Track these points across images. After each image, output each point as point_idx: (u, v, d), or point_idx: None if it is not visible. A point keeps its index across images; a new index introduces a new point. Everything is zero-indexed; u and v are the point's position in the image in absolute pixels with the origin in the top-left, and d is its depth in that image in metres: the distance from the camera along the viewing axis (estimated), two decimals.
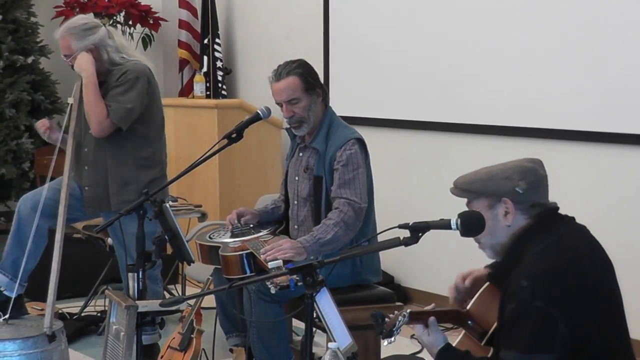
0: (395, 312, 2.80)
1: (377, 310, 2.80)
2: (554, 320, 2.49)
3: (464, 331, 2.90)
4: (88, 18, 4.64)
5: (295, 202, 4.05)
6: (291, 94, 3.90)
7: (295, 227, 4.05)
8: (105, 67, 4.45)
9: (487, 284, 2.88)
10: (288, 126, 4.05)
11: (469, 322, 2.84)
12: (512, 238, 2.70)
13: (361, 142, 3.94)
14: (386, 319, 2.75)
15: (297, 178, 4.05)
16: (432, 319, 2.78)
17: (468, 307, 2.87)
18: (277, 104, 3.97)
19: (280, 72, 3.93)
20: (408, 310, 2.79)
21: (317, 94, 3.96)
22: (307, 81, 3.93)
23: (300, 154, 4.06)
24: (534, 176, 2.71)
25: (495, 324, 2.75)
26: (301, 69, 3.95)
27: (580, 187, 4.90)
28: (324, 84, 4.69)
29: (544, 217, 2.68)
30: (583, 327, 2.53)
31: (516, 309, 2.54)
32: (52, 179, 4.49)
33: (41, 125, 4.64)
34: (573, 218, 2.75)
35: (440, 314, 2.87)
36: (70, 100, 4.46)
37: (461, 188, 2.79)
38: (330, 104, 4.07)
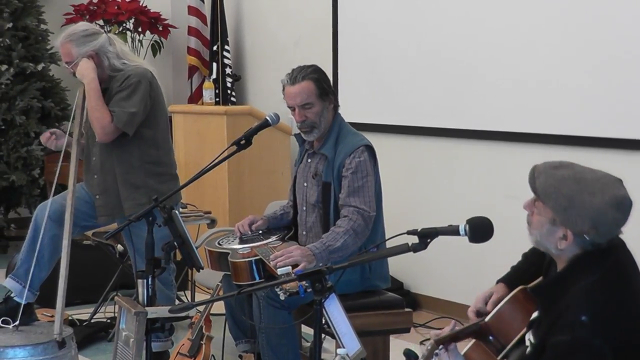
0: (423, 346, 2.76)
1: (409, 349, 2.76)
2: (607, 358, 2.43)
3: (474, 340, 2.86)
4: (88, 25, 4.66)
5: (304, 208, 4.05)
6: (305, 99, 3.91)
7: (304, 233, 4.05)
8: (107, 73, 4.47)
9: (508, 297, 2.81)
10: (297, 132, 4.06)
11: (490, 337, 2.79)
12: (563, 261, 2.59)
13: (370, 149, 3.94)
14: (420, 357, 2.72)
15: (305, 184, 4.05)
16: (452, 346, 2.72)
17: (487, 319, 2.81)
18: (290, 107, 3.97)
19: (296, 76, 3.93)
20: (432, 341, 2.75)
21: (330, 100, 3.97)
22: (322, 87, 3.94)
23: (309, 160, 4.06)
24: (609, 226, 2.52)
25: (515, 339, 2.71)
26: (316, 74, 3.96)
27: None
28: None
29: (599, 248, 2.56)
30: None
31: (571, 343, 2.45)
32: (58, 185, 4.50)
33: (45, 138, 4.65)
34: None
35: (462, 334, 2.81)
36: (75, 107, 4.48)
37: (538, 187, 2.59)
38: (339, 110, 4.07)
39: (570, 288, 2.52)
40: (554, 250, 2.60)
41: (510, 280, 2.91)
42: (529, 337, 2.67)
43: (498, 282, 2.94)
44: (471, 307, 2.90)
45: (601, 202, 2.50)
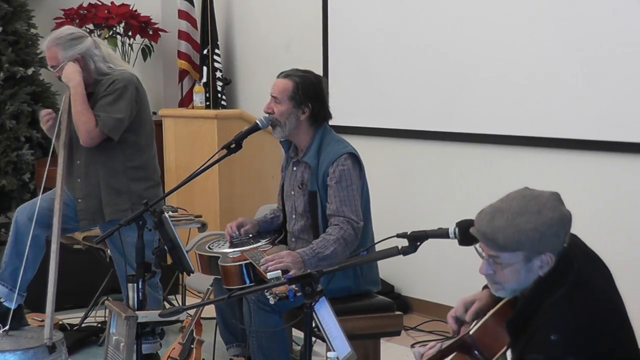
0: (414, 348, 2.76)
1: None
2: None
3: (456, 353, 2.83)
4: (74, 28, 4.66)
5: (293, 217, 4.04)
6: (276, 92, 3.95)
7: (293, 239, 4.05)
8: (93, 77, 4.46)
9: (494, 310, 2.79)
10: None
11: (475, 351, 2.75)
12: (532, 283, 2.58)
13: (353, 157, 3.91)
14: None
15: (293, 192, 4.04)
16: None
17: (472, 332, 2.77)
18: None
19: (285, 72, 4.00)
20: None
21: (302, 110, 3.94)
22: (297, 92, 3.92)
23: (294, 168, 4.05)
24: (570, 223, 2.54)
25: (499, 353, 2.69)
26: (301, 79, 3.95)
27: (581, 196, 4.90)
28: None
29: (562, 257, 2.55)
30: None
31: None
32: (46, 188, 4.49)
33: (45, 112, 4.60)
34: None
35: (449, 350, 2.78)
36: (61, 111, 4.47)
37: (506, 244, 2.53)
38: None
39: (538, 307, 2.52)
40: (535, 278, 2.56)
41: None
42: (509, 353, 2.66)
43: (484, 288, 2.88)
44: (451, 312, 2.86)
45: (549, 210, 2.52)
